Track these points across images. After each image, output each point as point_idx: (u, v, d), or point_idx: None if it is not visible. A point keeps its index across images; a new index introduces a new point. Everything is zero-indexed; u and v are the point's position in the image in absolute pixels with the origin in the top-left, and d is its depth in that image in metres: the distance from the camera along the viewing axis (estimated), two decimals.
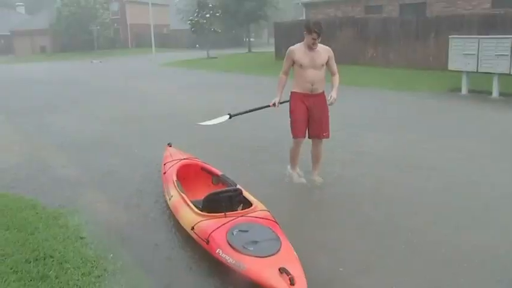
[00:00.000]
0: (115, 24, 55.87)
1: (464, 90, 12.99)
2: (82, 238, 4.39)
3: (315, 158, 5.90)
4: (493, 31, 13.95)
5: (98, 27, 49.36)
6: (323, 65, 5.59)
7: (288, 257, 3.33)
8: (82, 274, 3.73)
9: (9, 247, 4.14)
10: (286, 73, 5.76)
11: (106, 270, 3.83)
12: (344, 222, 4.85)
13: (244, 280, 3.30)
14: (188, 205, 4.26)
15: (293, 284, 2.96)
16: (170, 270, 3.91)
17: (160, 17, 56.36)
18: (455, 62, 13.00)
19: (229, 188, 4.49)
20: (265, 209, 4.15)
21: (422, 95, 13.06)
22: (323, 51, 5.61)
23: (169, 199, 4.72)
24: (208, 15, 33.38)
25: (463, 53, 12.66)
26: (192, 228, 3.97)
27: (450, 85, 13.92)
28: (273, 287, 3.02)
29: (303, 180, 5.87)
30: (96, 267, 3.85)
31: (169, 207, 4.83)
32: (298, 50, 5.58)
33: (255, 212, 4.00)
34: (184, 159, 5.51)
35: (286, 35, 22.50)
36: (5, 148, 8.30)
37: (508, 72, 11.84)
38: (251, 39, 43.12)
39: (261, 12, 37.46)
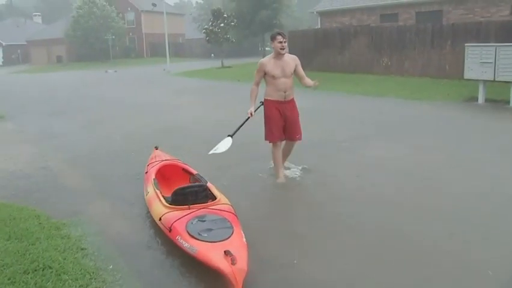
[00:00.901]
0: (130, 34, 56.31)
1: (480, 100, 12.69)
2: (82, 249, 4.30)
3: (284, 153, 6.40)
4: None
5: (113, 37, 49.69)
6: (291, 74, 6.09)
7: (236, 243, 3.74)
8: (80, 286, 3.64)
9: (8, 257, 4.06)
10: (257, 84, 6.22)
11: (104, 282, 3.73)
12: (319, 221, 4.99)
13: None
14: (159, 199, 4.67)
15: (234, 264, 3.38)
16: (169, 285, 3.79)
17: (175, 26, 56.79)
18: (471, 71, 12.71)
19: (194, 184, 5.01)
20: (228, 203, 4.58)
21: (437, 105, 12.78)
22: (290, 60, 6.11)
23: (146, 195, 5.15)
24: (222, 25, 33.38)
25: (480, 61, 12.39)
26: (160, 219, 4.40)
27: (466, 94, 13.65)
28: (216, 266, 3.47)
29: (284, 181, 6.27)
30: (95, 279, 3.75)
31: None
32: (268, 62, 6.07)
33: (217, 205, 4.45)
34: (166, 160, 5.95)
35: (300, 43, 22.38)
36: (12, 157, 8.28)
37: None
38: (266, 48, 43.12)
39: (276, 21, 37.44)
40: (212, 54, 46.34)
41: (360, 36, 20.22)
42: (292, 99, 6.22)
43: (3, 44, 63.29)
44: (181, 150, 7.52)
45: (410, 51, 18.36)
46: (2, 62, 61.89)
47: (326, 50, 21.31)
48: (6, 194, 6.08)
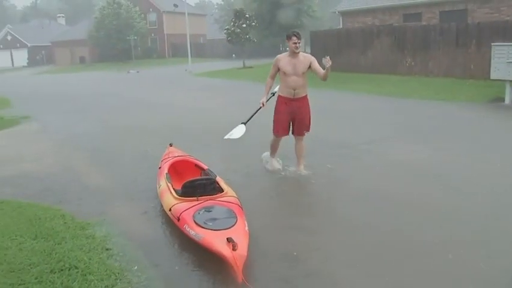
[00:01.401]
0: (152, 34, 56.71)
1: (507, 100, 12.42)
2: (107, 249, 4.31)
3: (299, 153, 6.60)
4: None
5: (135, 38, 50.06)
6: (303, 73, 6.25)
7: (238, 231, 3.99)
8: (106, 286, 3.65)
9: (35, 256, 4.10)
10: (272, 77, 6.56)
11: (129, 283, 3.73)
12: (323, 217, 5.23)
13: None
14: (170, 192, 4.94)
15: (235, 250, 3.64)
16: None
17: (196, 27, 57.00)
18: (497, 71, 12.46)
19: (203, 177, 5.29)
20: (234, 195, 4.84)
21: (462, 105, 12.56)
22: (305, 59, 6.27)
23: (158, 188, 5.44)
24: (244, 25, 33.37)
25: (507, 61, 12.14)
26: (170, 210, 4.69)
27: (492, 95, 13.39)
28: (219, 251, 3.72)
29: (279, 167, 6.70)
30: (120, 280, 3.76)
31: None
32: (283, 58, 6.34)
33: (224, 197, 4.70)
34: (179, 156, 6.24)
35: (322, 43, 22.27)
36: (37, 156, 8.39)
37: None
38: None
39: (298, 21, 37.31)
40: (233, 55, 46.37)
41: (383, 36, 19.98)
42: (304, 97, 6.44)
43: (29, 45, 64.35)
44: (197, 147, 7.66)
45: (434, 51, 18.05)
46: (27, 63, 62.90)
47: (349, 50, 21.13)
48: (32, 194, 6.14)
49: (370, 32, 20.75)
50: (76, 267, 3.88)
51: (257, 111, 6.59)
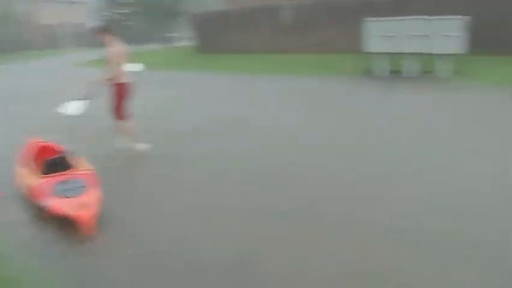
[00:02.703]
0: (24, 25, 52.69)
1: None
2: None
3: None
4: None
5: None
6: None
7: (88, 198, 4.69)
8: None
9: None
10: None
11: None
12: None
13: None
14: (29, 176, 5.26)
15: (83, 211, 4.38)
16: None
17: (75, 16, 54.13)
18: (370, 45, 13.64)
19: (54, 156, 5.70)
20: (89, 168, 5.39)
21: (332, 79, 13.42)
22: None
23: (20, 179, 5.60)
24: (125, 11, 32.29)
25: (377, 34, 13.39)
26: (27, 189, 5.17)
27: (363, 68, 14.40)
28: (70, 214, 4.43)
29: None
30: None
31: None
32: None
33: (78, 171, 5.26)
34: (40, 142, 6.30)
35: (204, 26, 22.35)
36: None
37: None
38: (173, 34, 42.14)
39: (178, 6, 36.50)
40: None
41: (263, 17, 20.63)
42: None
43: None
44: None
45: (313, 29, 18.96)
46: None
47: (231, 31, 21.42)
48: None
49: (250, 13, 21.17)
50: None
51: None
